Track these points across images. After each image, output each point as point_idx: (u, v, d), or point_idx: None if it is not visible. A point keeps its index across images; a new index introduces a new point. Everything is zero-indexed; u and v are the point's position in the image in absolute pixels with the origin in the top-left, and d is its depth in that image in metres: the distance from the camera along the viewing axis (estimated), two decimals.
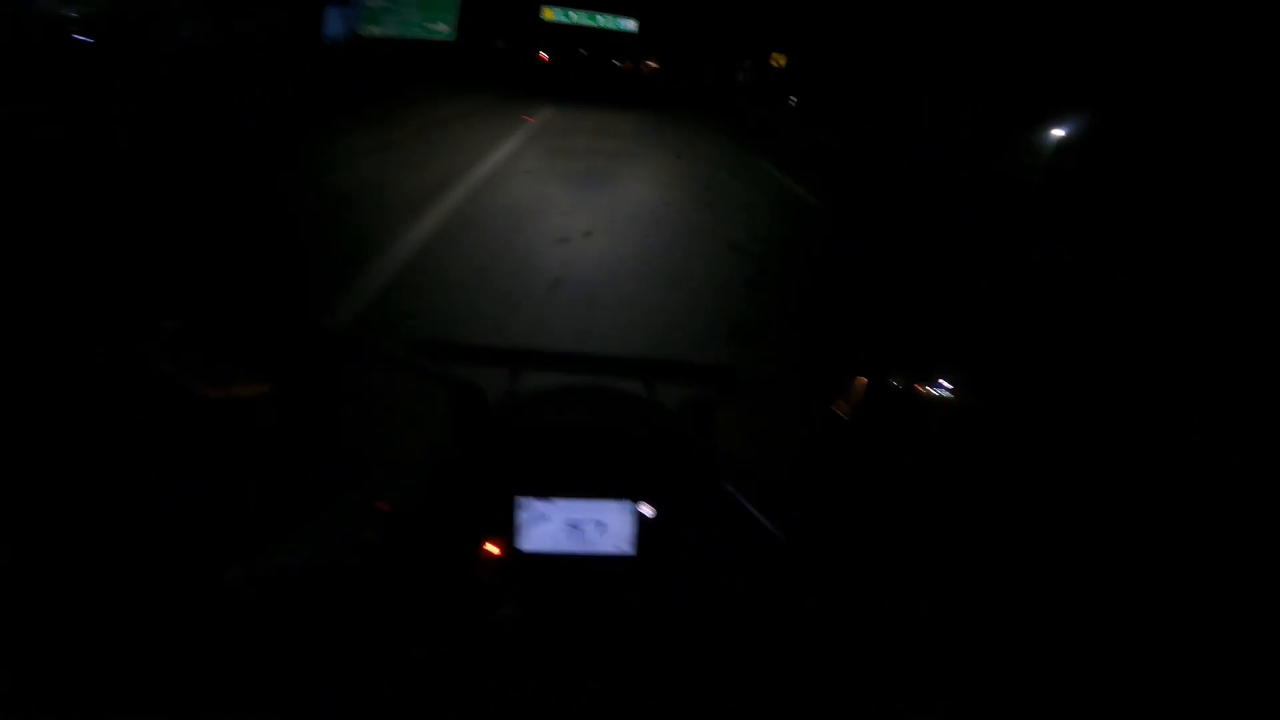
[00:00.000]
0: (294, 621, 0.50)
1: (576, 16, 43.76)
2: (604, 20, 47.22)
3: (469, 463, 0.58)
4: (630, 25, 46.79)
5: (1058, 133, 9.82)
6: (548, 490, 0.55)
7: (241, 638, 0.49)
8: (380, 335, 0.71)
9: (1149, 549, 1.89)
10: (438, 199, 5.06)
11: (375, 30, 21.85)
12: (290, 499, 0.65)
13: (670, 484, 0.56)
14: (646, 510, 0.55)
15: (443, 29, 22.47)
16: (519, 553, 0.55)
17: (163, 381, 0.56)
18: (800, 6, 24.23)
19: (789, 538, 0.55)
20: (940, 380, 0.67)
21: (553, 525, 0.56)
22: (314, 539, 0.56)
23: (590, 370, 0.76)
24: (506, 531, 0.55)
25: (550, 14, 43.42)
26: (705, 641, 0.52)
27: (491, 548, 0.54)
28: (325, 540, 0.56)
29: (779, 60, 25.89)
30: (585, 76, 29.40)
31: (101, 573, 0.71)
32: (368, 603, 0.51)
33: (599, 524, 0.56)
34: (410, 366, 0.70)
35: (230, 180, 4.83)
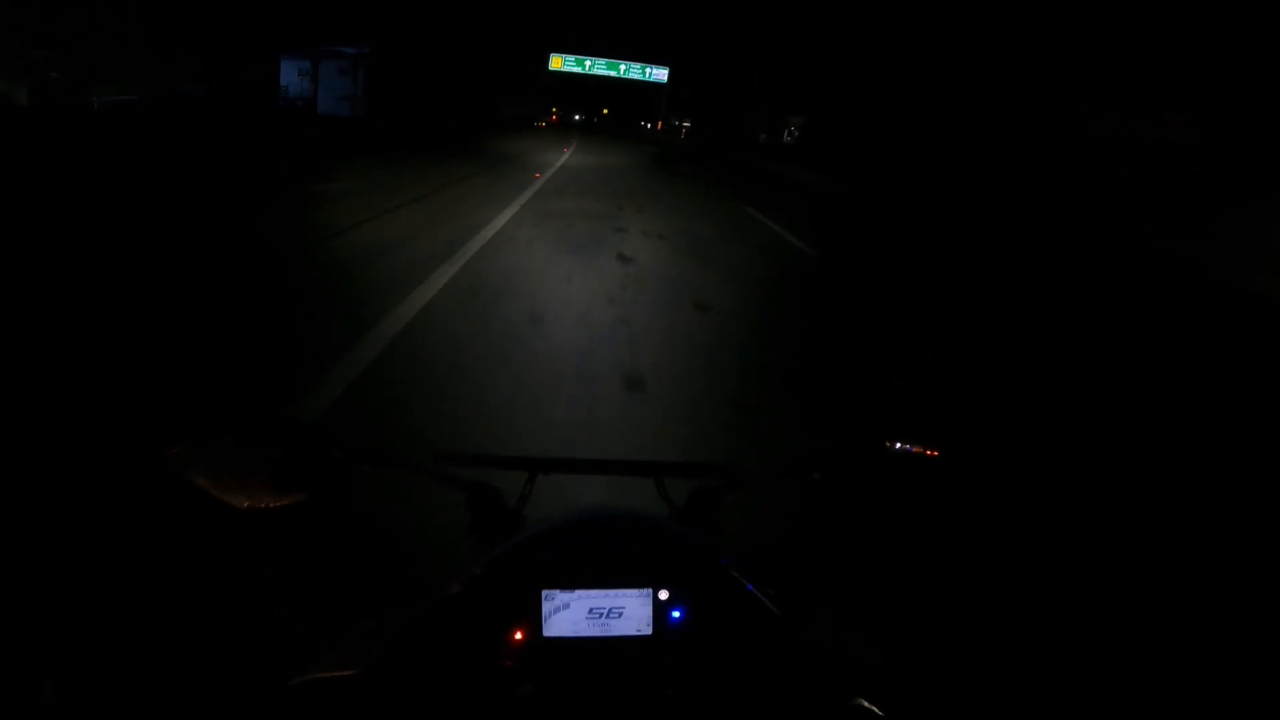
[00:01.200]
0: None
1: (595, 66, 36.42)
2: (630, 70, 39.52)
3: (492, 560, 0.62)
4: (660, 75, 39.81)
5: None
6: (570, 582, 0.60)
7: None
8: (401, 447, 0.68)
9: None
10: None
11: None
12: (327, 598, 0.82)
13: (683, 572, 0.62)
14: (663, 595, 0.61)
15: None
16: (543, 638, 0.59)
17: (199, 493, 0.60)
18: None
19: (782, 610, 0.62)
20: (926, 439, 0.71)
21: (574, 613, 0.60)
22: (363, 637, 0.61)
23: (604, 472, 0.82)
24: (532, 620, 0.59)
25: (559, 62, 36.05)
26: (722, 703, 0.59)
27: (518, 635, 0.59)
28: (371, 639, 0.61)
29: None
30: (604, 145, 24.31)
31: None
32: (409, 693, 0.56)
33: (617, 610, 0.60)
34: (430, 474, 0.72)
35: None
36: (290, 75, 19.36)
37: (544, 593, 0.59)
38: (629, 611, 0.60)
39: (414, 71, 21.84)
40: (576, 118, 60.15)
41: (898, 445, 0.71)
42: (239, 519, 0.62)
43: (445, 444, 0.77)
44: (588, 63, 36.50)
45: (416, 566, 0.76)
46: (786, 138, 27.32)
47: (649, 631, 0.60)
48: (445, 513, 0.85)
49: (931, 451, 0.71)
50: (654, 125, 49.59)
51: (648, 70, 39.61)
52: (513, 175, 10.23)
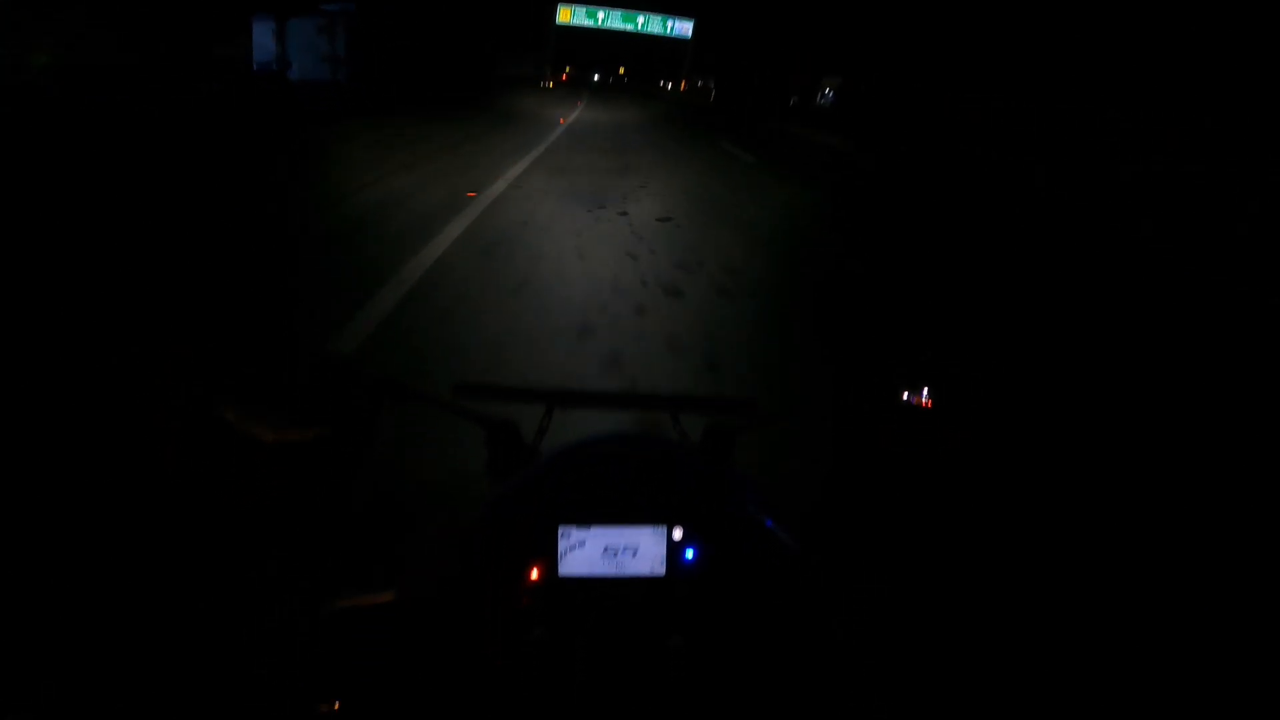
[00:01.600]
0: (376, 650, 0.58)
1: (608, 18, 32.00)
2: (649, 22, 34.78)
3: (506, 496, 0.64)
4: (684, 29, 35.13)
5: None
6: (586, 518, 0.60)
7: (335, 660, 0.58)
8: (419, 379, 0.77)
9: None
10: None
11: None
12: (344, 532, 0.83)
13: (698, 509, 0.62)
14: (677, 534, 0.61)
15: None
16: (557, 577, 0.60)
17: (226, 426, 0.63)
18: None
19: (801, 548, 0.62)
20: (926, 389, 0.75)
21: (589, 551, 0.60)
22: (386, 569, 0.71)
23: (620, 406, 0.84)
24: (548, 557, 0.59)
25: (568, 14, 31.51)
26: (732, 649, 0.58)
27: (534, 573, 0.59)
28: (404, 572, 0.64)
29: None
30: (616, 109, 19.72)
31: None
32: (434, 622, 0.58)
33: (632, 548, 0.61)
34: (448, 407, 0.75)
35: None
36: (265, 39, 17.29)
37: (560, 529, 0.60)
38: (643, 550, 0.61)
39: (403, 27, 19.57)
40: (595, 78, 55.50)
41: (906, 396, 0.74)
42: (263, 454, 0.64)
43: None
44: (600, 14, 32.04)
45: (436, 502, 0.77)
46: (820, 100, 24.16)
47: (662, 572, 0.61)
48: (464, 449, 0.86)
49: (930, 403, 0.73)
50: (676, 84, 44.99)
51: (669, 23, 34.72)
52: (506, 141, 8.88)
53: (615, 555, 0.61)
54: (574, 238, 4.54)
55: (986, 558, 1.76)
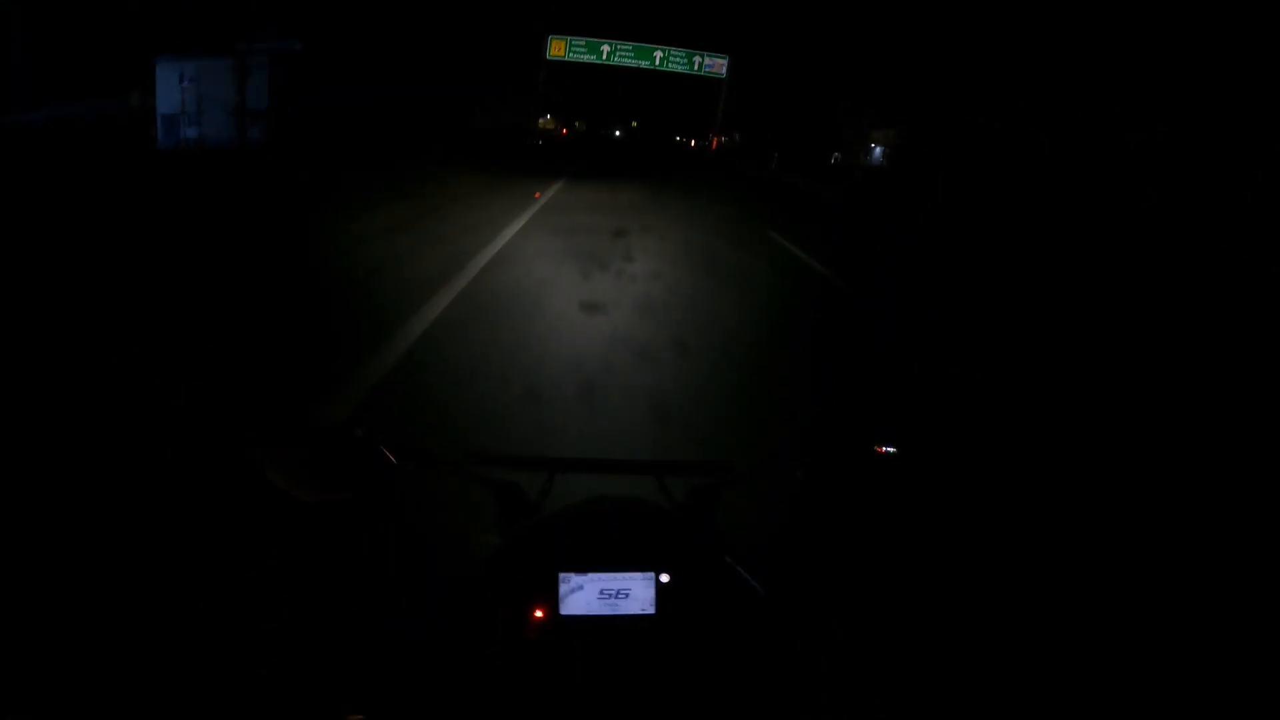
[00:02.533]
0: (401, 668, 0.69)
1: (614, 52, 25.55)
2: (669, 58, 26.29)
3: (515, 547, 0.78)
4: (716, 66, 27.67)
5: None
6: (583, 566, 0.72)
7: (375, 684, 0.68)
8: (437, 448, 0.85)
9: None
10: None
11: None
12: (376, 579, 0.95)
13: (680, 558, 0.75)
14: (664, 579, 0.73)
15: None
16: (560, 616, 0.71)
17: (271, 486, 0.74)
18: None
19: (767, 591, 0.76)
20: (890, 441, 0.84)
21: (587, 594, 0.72)
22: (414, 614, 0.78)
23: (612, 471, 0.98)
24: (551, 599, 0.71)
25: (561, 46, 25.03)
26: (712, 678, 0.69)
27: (538, 613, 0.70)
28: (418, 614, 0.78)
29: None
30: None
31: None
32: (450, 657, 0.70)
33: (625, 591, 0.72)
34: (464, 474, 0.91)
35: None
36: (170, 87, 13.96)
37: (560, 575, 0.71)
38: (635, 593, 0.72)
39: (358, 69, 16.10)
40: (608, 131, 46.03)
41: (882, 449, 0.83)
42: (303, 510, 0.77)
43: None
44: (604, 48, 25.24)
45: (453, 550, 0.87)
46: (868, 158, 20.17)
47: (652, 611, 0.72)
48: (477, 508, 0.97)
49: (905, 456, 0.83)
50: (702, 142, 36.01)
51: (697, 60, 27.60)
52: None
53: (610, 597, 0.72)
54: None
55: (986, 557, 1.87)
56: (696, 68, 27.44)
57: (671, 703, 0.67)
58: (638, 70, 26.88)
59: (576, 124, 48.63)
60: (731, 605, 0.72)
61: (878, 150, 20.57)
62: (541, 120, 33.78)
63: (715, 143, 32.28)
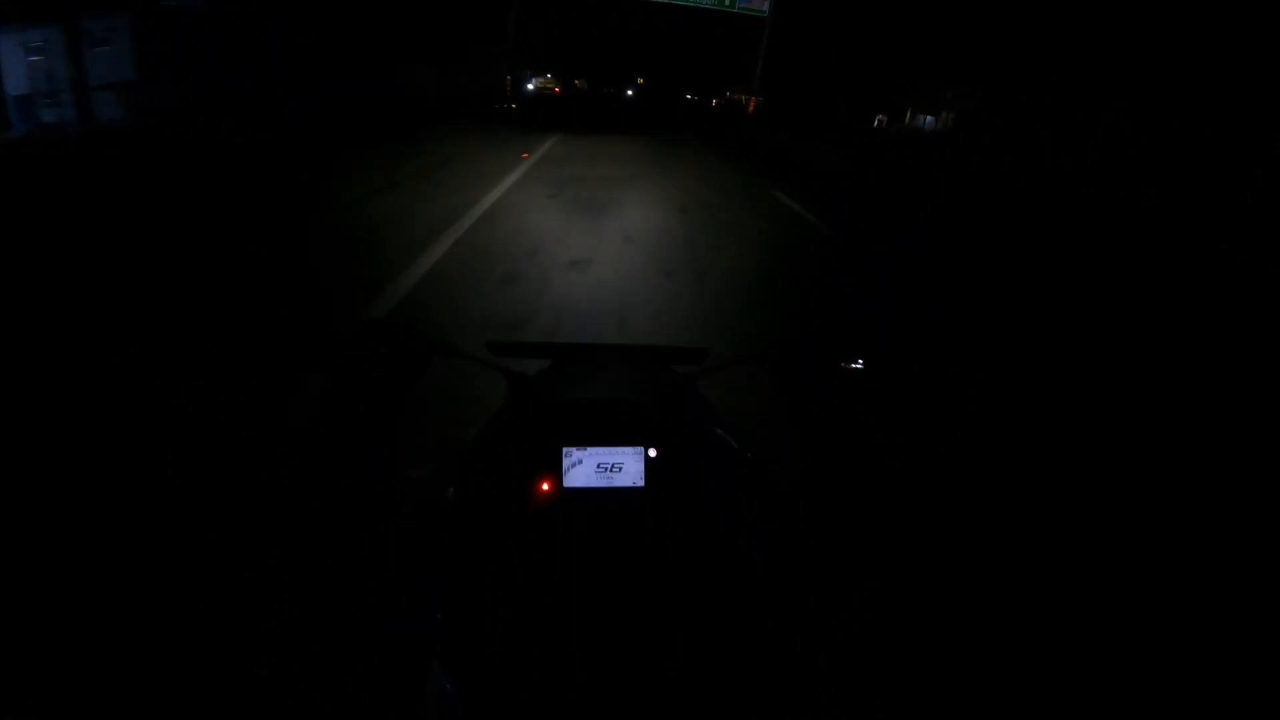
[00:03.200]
0: (432, 537, 0.81)
1: None
2: None
3: (523, 425, 0.87)
4: (757, 2, 20.38)
5: None
6: (582, 442, 0.82)
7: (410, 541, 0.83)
8: (455, 339, 1.05)
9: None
10: None
11: None
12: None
13: (668, 432, 0.85)
14: (652, 453, 0.82)
15: None
16: (563, 487, 0.81)
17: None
18: None
19: (753, 455, 0.87)
20: (857, 358, 0.96)
21: (586, 468, 0.82)
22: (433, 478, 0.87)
23: (607, 356, 1.08)
24: (555, 472, 0.81)
25: None
26: (700, 546, 0.78)
27: (544, 484, 0.80)
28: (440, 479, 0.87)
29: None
30: None
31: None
32: (463, 520, 0.80)
33: (619, 465, 0.82)
34: (482, 362, 1.01)
35: None
36: (16, 61, 12.06)
37: (564, 450, 0.81)
38: (627, 466, 0.82)
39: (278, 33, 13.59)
40: (618, 91, 34.04)
41: (849, 365, 0.96)
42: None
43: None
44: None
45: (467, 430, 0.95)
46: (925, 122, 15.88)
47: (642, 484, 0.82)
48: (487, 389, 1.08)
49: (863, 364, 0.95)
50: (730, 101, 28.14)
51: None
52: None
53: (606, 471, 0.81)
54: None
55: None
56: (728, 2, 20.94)
57: (660, 567, 0.75)
58: (647, 5, 19.71)
59: (577, 82, 38.23)
60: (714, 472, 0.82)
61: (928, 118, 17.33)
62: (539, 80, 26.48)
63: (754, 103, 25.42)
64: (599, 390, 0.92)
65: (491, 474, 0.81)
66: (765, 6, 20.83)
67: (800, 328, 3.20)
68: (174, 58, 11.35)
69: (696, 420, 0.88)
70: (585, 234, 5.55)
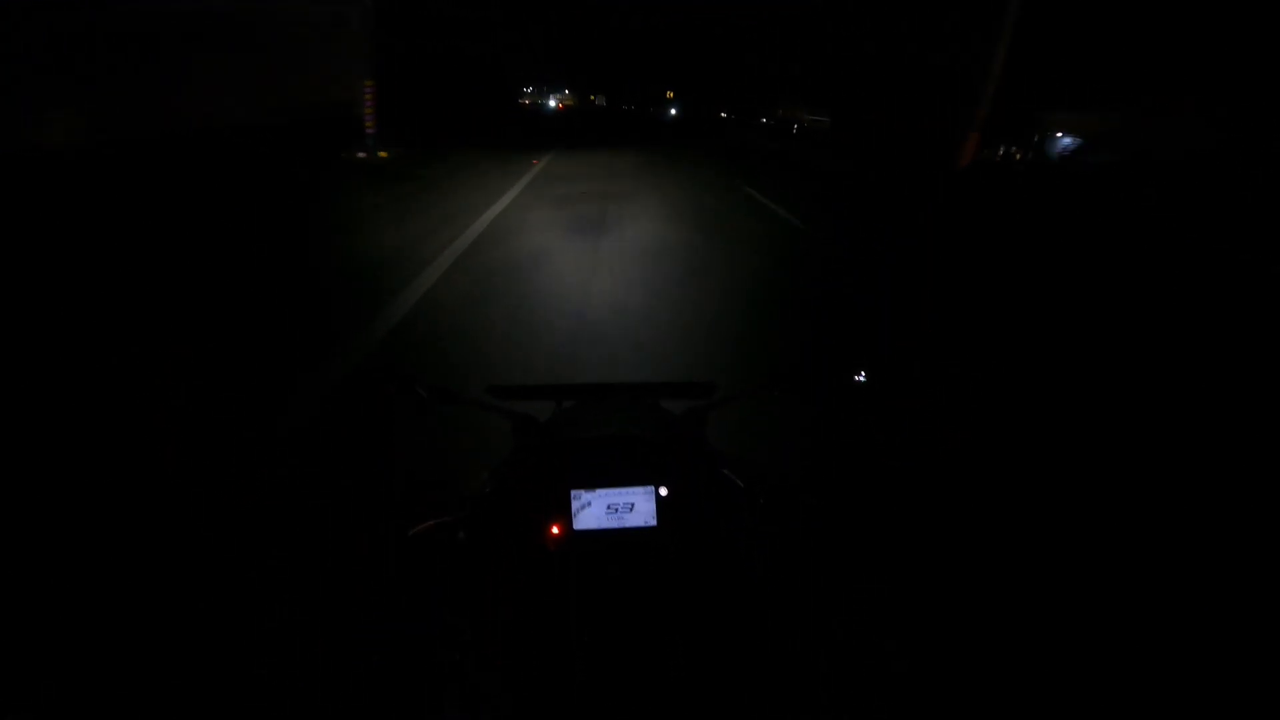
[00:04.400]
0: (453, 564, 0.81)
1: None
2: None
3: (531, 469, 0.86)
4: None
5: None
6: (591, 483, 0.82)
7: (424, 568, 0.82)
8: (460, 387, 0.99)
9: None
10: None
11: None
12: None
13: (677, 471, 0.84)
14: (663, 492, 0.82)
15: None
16: (573, 530, 0.81)
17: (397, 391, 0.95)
18: None
19: (754, 493, 0.86)
20: (860, 371, 0.99)
21: (596, 509, 0.82)
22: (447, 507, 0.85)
23: (612, 395, 1.08)
24: (565, 515, 0.81)
25: None
26: (708, 577, 0.78)
27: (554, 528, 0.80)
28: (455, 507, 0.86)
29: None
30: None
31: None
32: (481, 558, 0.80)
33: (629, 505, 0.82)
34: (486, 407, 0.99)
35: None
36: None
37: (572, 492, 0.81)
38: (638, 505, 0.82)
39: None
40: (594, 98, 32.37)
41: (856, 378, 0.98)
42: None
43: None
44: None
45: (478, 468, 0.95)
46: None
47: (654, 523, 0.82)
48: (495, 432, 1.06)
49: (869, 380, 0.97)
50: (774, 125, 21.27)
51: None
52: None
53: (617, 511, 0.81)
54: None
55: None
56: None
57: (674, 605, 0.75)
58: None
59: (593, 98, 36.61)
60: (724, 509, 0.82)
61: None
62: (558, 98, 25.28)
63: (805, 118, 21.46)
64: (606, 430, 0.90)
65: (501, 520, 0.80)
66: None
67: (804, 351, 3.29)
68: None
69: (709, 457, 0.88)
70: None
